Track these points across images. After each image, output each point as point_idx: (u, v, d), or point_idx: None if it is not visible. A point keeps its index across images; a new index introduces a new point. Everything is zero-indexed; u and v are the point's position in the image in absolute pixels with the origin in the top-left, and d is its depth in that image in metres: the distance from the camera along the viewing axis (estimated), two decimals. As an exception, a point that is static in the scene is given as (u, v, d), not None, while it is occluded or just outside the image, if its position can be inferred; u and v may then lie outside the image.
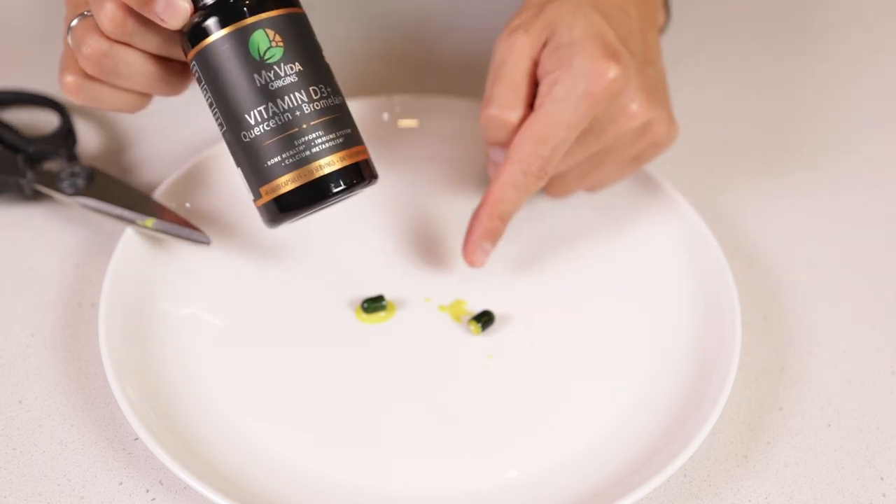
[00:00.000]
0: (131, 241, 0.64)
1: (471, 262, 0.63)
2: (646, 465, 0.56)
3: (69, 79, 0.58)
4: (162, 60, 0.58)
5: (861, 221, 0.71)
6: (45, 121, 0.73)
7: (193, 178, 0.68)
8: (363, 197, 0.69)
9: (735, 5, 0.85)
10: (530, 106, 0.62)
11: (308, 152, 0.55)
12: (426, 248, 0.67)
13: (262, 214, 0.57)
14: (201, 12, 0.55)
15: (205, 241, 0.64)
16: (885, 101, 0.80)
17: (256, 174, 0.55)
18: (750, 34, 0.84)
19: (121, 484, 0.57)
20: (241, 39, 0.54)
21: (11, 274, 0.65)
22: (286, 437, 0.58)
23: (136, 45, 0.56)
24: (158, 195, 0.66)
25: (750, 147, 0.75)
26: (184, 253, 0.65)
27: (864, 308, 0.66)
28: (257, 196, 0.56)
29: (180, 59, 0.58)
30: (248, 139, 0.55)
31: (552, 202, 0.69)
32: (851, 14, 0.86)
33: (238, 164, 0.56)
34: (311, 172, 0.55)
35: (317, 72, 0.56)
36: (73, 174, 0.67)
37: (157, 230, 0.64)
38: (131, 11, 0.55)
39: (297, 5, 0.56)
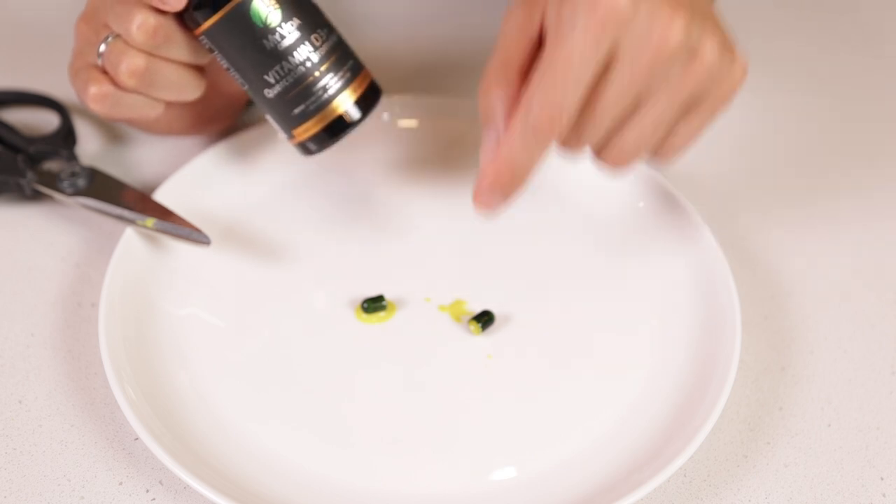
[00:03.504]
0: (131, 241, 0.64)
1: (479, 205, 0.58)
2: (646, 465, 0.56)
3: (94, 90, 0.62)
4: (192, 68, 0.63)
5: (861, 221, 0.71)
6: (45, 121, 0.73)
7: (193, 178, 0.68)
8: (364, 196, 0.70)
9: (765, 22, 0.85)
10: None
11: (326, 95, 0.61)
12: (426, 248, 0.67)
13: (296, 150, 0.64)
14: None
15: (205, 241, 0.64)
16: (884, 101, 0.80)
17: (285, 122, 0.62)
18: (762, 33, 0.84)
19: (121, 484, 0.57)
20: (243, 12, 0.59)
21: (11, 274, 0.65)
22: (286, 436, 0.58)
23: (169, 57, 0.61)
24: (158, 195, 0.66)
25: (750, 148, 0.75)
26: (184, 253, 0.65)
27: (864, 308, 0.66)
28: (289, 137, 0.63)
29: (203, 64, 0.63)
30: (270, 95, 0.61)
31: (550, 199, 0.69)
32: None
33: (265, 113, 0.63)
34: (333, 111, 0.61)
35: (312, 19, 0.61)
36: (73, 174, 0.67)
37: (157, 230, 0.64)
38: (159, 21, 0.59)
39: None
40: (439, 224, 0.68)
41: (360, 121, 0.62)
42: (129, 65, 0.60)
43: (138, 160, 0.72)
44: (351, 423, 0.59)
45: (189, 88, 0.63)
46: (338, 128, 0.62)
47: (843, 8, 0.87)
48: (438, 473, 0.57)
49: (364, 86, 0.62)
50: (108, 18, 0.60)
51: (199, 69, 0.64)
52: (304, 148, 0.63)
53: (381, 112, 0.72)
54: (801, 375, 0.63)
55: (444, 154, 0.72)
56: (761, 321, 0.65)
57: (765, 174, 0.74)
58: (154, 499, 0.56)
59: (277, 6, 0.59)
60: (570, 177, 0.70)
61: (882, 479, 0.58)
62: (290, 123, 0.62)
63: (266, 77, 0.60)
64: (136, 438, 0.58)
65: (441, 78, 0.78)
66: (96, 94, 0.62)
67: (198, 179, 0.68)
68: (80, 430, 0.59)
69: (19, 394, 0.60)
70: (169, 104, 0.65)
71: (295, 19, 0.60)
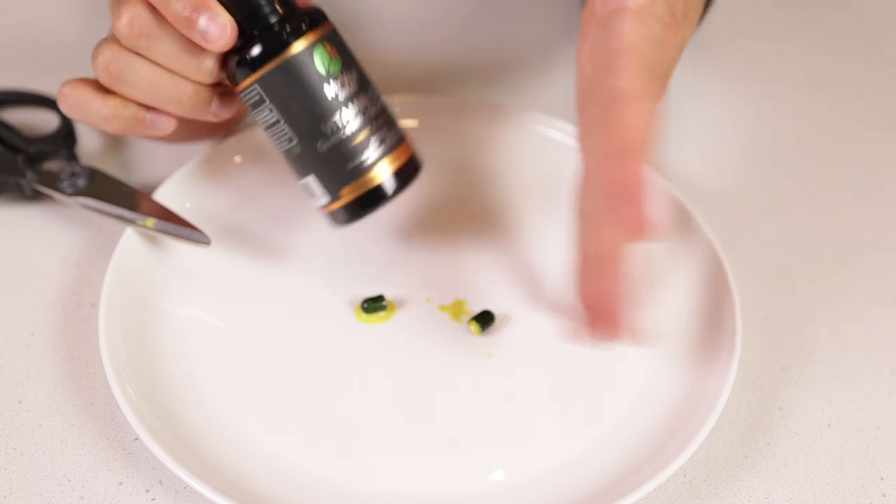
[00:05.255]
0: (131, 241, 0.64)
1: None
2: (646, 465, 0.56)
3: (64, 89, 0.60)
4: (172, 76, 0.60)
5: (861, 221, 0.71)
6: (45, 121, 0.73)
7: (193, 178, 0.68)
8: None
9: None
10: None
11: (374, 156, 0.59)
12: (426, 248, 0.67)
13: (335, 217, 0.61)
14: (255, 37, 0.58)
15: (205, 241, 0.64)
16: (885, 100, 0.80)
17: (335, 179, 0.60)
18: (760, 35, 0.84)
19: (121, 484, 0.57)
20: (308, 57, 0.58)
21: (11, 274, 0.65)
22: (286, 436, 0.58)
23: (147, 55, 0.59)
24: (158, 195, 0.66)
25: (749, 144, 0.75)
26: (184, 253, 0.65)
27: (864, 308, 0.66)
28: (335, 199, 0.60)
29: (192, 79, 0.60)
30: (323, 149, 0.59)
31: (551, 199, 0.69)
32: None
33: (310, 173, 0.60)
34: (376, 176, 0.60)
35: (366, 77, 0.61)
36: (73, 174, 0.67)
37: (157, 230, 0.64)
38: (151, 17, 0.57)
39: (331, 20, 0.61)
40: (440, 224, 0.68)
41: (402, 189, 0.61)
42: (103, 55, 0.59)
43: (138, 160, 0.72)
44: (351, 422, 0.59)
45: (166, 98, 0.60)
46: (381, 194, 0.60)
47: (845, 8, 0.87)
48: (438, 473, 0.57)
49: (410, 152, 0.62)
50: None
51: (186, 82, 0.60)
52: (346, 213, 0.61)
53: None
54: (801, 375, 0.63)
55: (444, 154, 0.72)
56: (761, 321, 0.65)
57: (765, 174, 0.74)
58: (154, 499, 0.56)
59: (338, 57, 0.59)
60: (571, 180, 0.70)
61: (882, 479, 0.58)
62: (339, 181, 0.60)
63: (322, 128, 0.59)
64: (136, 438, 0.58)
65: (441, 78, 0.78)
66: (62, 93, 0.60)
67: (198, 179, 0.68)
68: (80, 430, 0.59)
69: (19, 394, 0.60)
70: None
71: (354, 72, 0.59)
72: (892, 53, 0.84)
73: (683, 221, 0.67)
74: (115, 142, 0.73)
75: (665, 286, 0.65)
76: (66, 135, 0.71)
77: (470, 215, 0.69)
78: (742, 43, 0.83)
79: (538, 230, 0.68)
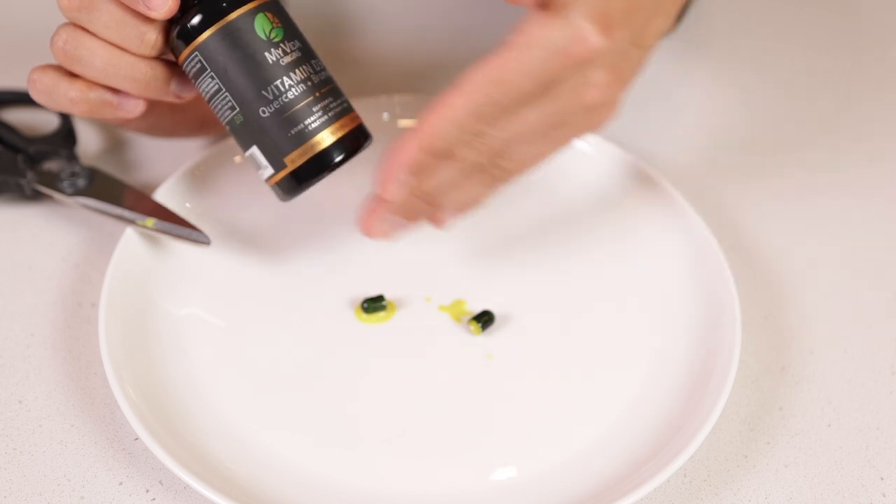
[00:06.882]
0: (131, 241, 0.64)
1: (383, 192, 0.56)
2: (646, 465, 0.56)
3: (32, 74, 0.60)
4: (122, 52, 0.59)
5: (861, 221, 0.71)
6: (45, 121, 0.73)
7: (193, 178, 0.68)
8: (365, 196, 0.70)
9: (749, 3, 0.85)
10: None
11: (317, 122, 0.58)
12: (426, 248, 0.67)
13: (280, 187, 0.60)
14: (195, 6, 0.58)
15: (205, 241, 0.64)
16: (884, 100, 0.80)
17: (278, 147, 0.58)
18: (761, 32, 0.84)
19: (121, 484, 0.57)
20: (248, 23, 0.58)
21: (11, 274, 0.65)
22: (285, 436, 0.58)
23: (89, 29, 0.58)
24: (158, 195, 0.66)
25: (752, 146, 0.75)
26: (184, 253, 0.65)
27: (864, 308, 0.66)
28: (280, 168, 0.59)
29: (137, 53, 0.59)
30: (266, 115, 0.58)
31: (550, 199, 0.69)
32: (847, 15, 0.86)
33: (252, 143, 0.59)
34: (321, 142, 0.58)
35: (310, 49, 0.60)
36: (73, 174, 0.67)
37: (157, 230, 0.64)
38: None
39: None
40: (439, 224, 0.68)
41: (345, 160, 0.59)
42: (58, 36, 0.58)
43: (138, 160, 0.72)
44: (351, 423, 0.59)
45: (123, 74, 0.59)
46: (323, 163, 0.59)
47: (842, 8, 0.87)
48: (438, 473, 0.57)
49: (356, 123, 0.60)
50: None
51: (140, 60, 0.59)
52: (288, 184, 0.59)
53: (381, 112, 0.72)
54: (801, 375, 0.63)
55: (444, 154, 0.72)
56: (761, 321, 0.65)
57: (766, 174, 0.74)
58: (154, 499, 0.56)
59: (280, 26, 0.58)
60: (571, 178, 0.70)
61: (882, 479, 0.58)
62: (280, 150, 0.59)
63: (264, 92, 0.58)
64: (136, 438, 0.58)
65: (441, 78, 0.78)
66: (30, 77, 0.60)
67: (198, 179, 0.68)
68: (80, 430, 0.59)
69: (19, 394, 0.60)
70: (153, 108, 0.63)
71: (297, 42, 0.59)
72: (886, 50, 0.84)
73: (684, 221, 0.67)
74: (115, 142, 0.73)
75: (665, 286, 0.65)
76: (66, 135, 0.71)
77: (469, 215, 0.69)
78: (734, 39, 0.83)
79: (538, 230, 0.68)
